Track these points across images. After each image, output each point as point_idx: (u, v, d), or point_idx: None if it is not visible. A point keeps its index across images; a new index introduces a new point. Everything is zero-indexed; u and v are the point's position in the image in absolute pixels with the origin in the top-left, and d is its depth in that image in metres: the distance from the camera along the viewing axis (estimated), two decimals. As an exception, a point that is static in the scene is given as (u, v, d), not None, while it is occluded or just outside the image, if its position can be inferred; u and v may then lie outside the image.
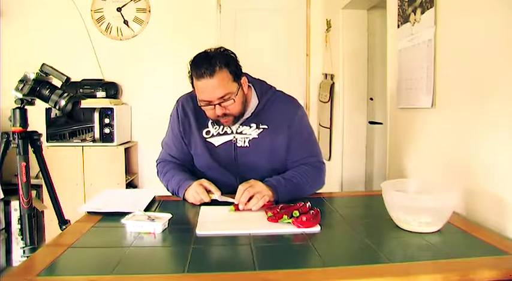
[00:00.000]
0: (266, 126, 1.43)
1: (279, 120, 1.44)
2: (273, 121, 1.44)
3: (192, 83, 1.34)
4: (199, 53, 1.33)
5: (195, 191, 1.33)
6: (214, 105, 1.31)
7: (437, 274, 0.84)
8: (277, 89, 1.54)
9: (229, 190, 1.35)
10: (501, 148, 1.14)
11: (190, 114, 1.48)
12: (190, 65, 1.31)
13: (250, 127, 1.44)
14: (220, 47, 1.35)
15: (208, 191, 1.33)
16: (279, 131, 1.43)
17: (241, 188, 1.26)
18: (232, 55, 1.35)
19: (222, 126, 1.44)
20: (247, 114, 1.44)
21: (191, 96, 1.50)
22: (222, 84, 1.28)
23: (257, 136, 1.43)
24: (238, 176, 1.45)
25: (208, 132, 1.46)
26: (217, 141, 1.45)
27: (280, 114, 1.45)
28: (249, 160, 1.44)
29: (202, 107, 1.36)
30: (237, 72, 1.33)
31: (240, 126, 1.44)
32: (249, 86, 1.45)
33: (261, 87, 1.48)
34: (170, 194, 1.49)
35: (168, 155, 1.54)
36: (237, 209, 1.25)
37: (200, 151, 1.46)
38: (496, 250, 0.95)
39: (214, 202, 1.32)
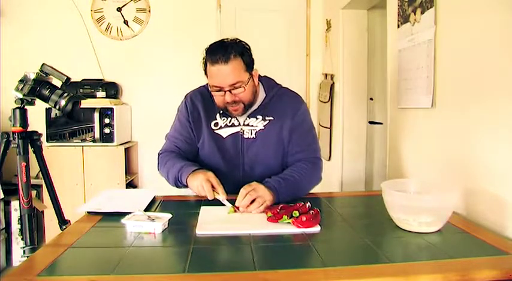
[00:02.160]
0: (272, 118, 1.47)
1: (284, 112, 1.48)
2: (278, 113, 1.48)
3: (205, 70, 1.39)
4: (216, 41, 1.39)
5: (200, 185, 1.30)
6: (225, 91, 1.35)
7: (437, 274, 0.84)
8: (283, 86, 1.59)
9: (233, 182, 1.38)
10: (501, 148, 1.14)
11: (199, 106, 1.51)
12: (206, 51, 1.37)
13: (257, 119, 1.47)
14: (236, 38, 1.41)
15: (213, 189, 1.31)
16: (284, 122, 1.47)
17: (243, 191, 1.25)
18: (247, 46, 1.41)
19: (229, 118, 1.47)
20: (255, 107, 1.48)
21: (199, 91, 1.55)
22: (235, 72, 1.33)
23: (263, 128, 1.46)
24: (243, 170, 1.47)
25: (216, 124, 1.49)
26: (225, 132, 1.47)
27: (285, 106, 1.49)
28: (255, 152, 1.46)
29: (213, 93, 1.40)
30: (249, 63, 1.39)
31: (247, 119, 1.47)
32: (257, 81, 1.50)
33: (269, 82, 1.55)
34: (170, 195, 1.49)
35: (173, 146, 1.52)
36: (236, 210, 1.25)
37: (207, 143, 1.48)
38: (496, 250, 0.95)
39: (214, 202, 1.32)
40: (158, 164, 1.53)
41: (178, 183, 1.40)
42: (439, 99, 1.48)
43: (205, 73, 1.40)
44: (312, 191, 1.56)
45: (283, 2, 3.32)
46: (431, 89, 1.51)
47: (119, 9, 3.16)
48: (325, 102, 3.07)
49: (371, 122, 2.93)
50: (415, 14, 1.64)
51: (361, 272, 0.85)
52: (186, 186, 1.38)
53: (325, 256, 0.92)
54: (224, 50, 1.32)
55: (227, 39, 1.39)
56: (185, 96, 1.57)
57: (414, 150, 1.71)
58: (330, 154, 3.06)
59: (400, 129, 1.86)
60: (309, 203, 1.21)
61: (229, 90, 1.35)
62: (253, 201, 1.24)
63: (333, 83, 2.98)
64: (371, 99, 2.93)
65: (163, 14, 3.19)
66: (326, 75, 3.16)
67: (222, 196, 1.30)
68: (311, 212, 1.13)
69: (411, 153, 1.75)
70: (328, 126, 3.01)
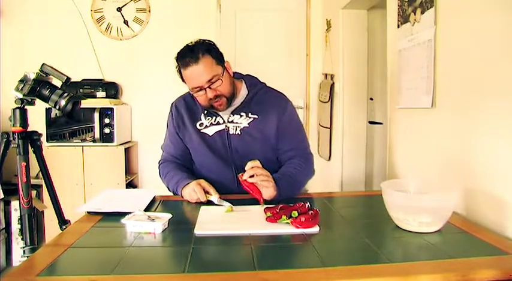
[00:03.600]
0: (256, 116, 1.51)
1: (269, 111, 1.52)
2: (263, 111, 1.52)
3: (182, 77, 1.44)
4: (182, 48, 1.44)
5: (192, 190, 1.36)
6: (205, 89, 1.40)
7: (437, 274, 0.84)
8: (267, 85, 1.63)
9: (227, 178, 1.45)
10: (501, 148, 1.14)
11: (183, 111, 1.57)
12: (176, 59, 1.43)
13: (241, 116, 1.51)
14: (199, 39, 1.46)
15: (206, 192, 1.36)
16: (269, 121, 1.51)
17: (250, 164, 1.31)
18: (211, 43, 1.46)
19: (214, 117, 1.52)
20: (238, 103, 1.52)
21: (183, 98, 1.61)
22: (207, 68, 1.39)
23: (248, 125, 1.50)
24: (234, 165, 1.50)
25: (201, 124, 1.54)
26: (211, 131, 1.52)
27: (270, 105, 1.53)
28: (241, 147, 1.50)
29: (195, 95, 1.45)
30: (218, 57, 1.44)
31: (231, 116, 1.52)
32: (240, 79, 1.58)
33: (251, 80, 1.60)
34: (170, 194, 1.50)
35: (168, 155, 1.60)
36: (241, 180, 1.29)
37: (196, 142, 1.53)
38: (496, 250, 0.95)
39: (211, 203, 1.32)
40: (159, 173, 1.60)
41: (176, 195, 1.47)
42: (439, 99, 1.48)
43: (183, 80, 1.45)
44: (312, 191, 1.57)
45: (283, 2, 3.32)
46: (431, 89, 1.51)
47: (119, 9, 3.16)
48: (325, 102, 3.07)
49: (371, 122, 2.93)
50: (415, 14, 1.64)
51: (361, 272, 0.85)
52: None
53: (325, 256, 0.92)
54: (191, 51, 1.39)
55: (191, 42, 1.44)
56: (171, 105, 1.63)
57: (414, 150, 1.71)
58: (330, 154, 3.06)
59: (400, 129, 1.86)
60: (308, 203, 1.21)
61: (209, 87, 1.40)
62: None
63: (333, 83, 2.98)
64: (371, 99, 2.93)
65: (163, 14, 3.19)
66: (326, 75, 3.16)
67: (214, 196, 1.33)
68: (310, 212, 1.13)
69: (411, 153, 1.75)
70: (328, 126, 3.01)
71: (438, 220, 1.07)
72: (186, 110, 1.56)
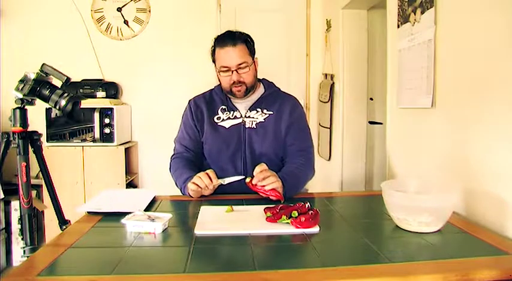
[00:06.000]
0: (271, 112, 1.61)
1: (283, 109, 1.62)
2: (277, 109, 1.61)
3: (213, 58, 1.57)
4: (223, 32, 1.58)
5: (197, 177, 1.38)
6: (232, 71, 1.52)
7: (437, 274, 0.84)
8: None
9: (235, 172, 1.52)
10: (501, 148, 1.14)
11: (202, 106, 1.65)
12: (215, 39, 1.56)
13: (257, 112, 1.61)
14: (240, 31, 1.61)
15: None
16: (282, 117, 1.60)
17: (257, 168, 1.37)
18: (250, 38, 1.59)
19: (232, 112, 1.60)
20: (255, 98, 1.62)
21: (202, 95, 1.71)
22: (241, 53, 1.52)
23: (263, 120, 1.59)
24: (244, 158, 1.56)
25: (219, 118, 1.62)
26: (227, 124, 1.60)
27: (284, 104, 1.64)
28: (255, 140, 1.56)
29: (221, 75, 1.56)
30: (252, 50, 1.58)
31: (248, 111, 1.60)
32: (258, 81, 1.67)
33: (268, 83, 1.71)
34: (170, 195, 1.51)
35: (182, 146, 1.64)
36: (250, 185, 1.33)
37: (211, 134, 1.60)
38: (496, 250, 0.95)
39: (214, 202, 1.32)
40: (170, 168, 1.63)
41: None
42: (439, 99, 1.48)
43: (213, 61, 1.57)
44: (312, 191, 1.57)
45: (283, 2, 3.32)
46: (431, 89, 1.51)
47: (119, 9, 3.16)
48: (325, 102, 3.07)
49: (371, 122, 2.93)
50: (415, 14, 1.64)
51: (361, 272, 0.85)
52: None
53: (325, 256, 0.92)
54: (232, 36, 1.53)
55: (233, 30, 1.57)
56: (188, 101, 1.69)
57: (414, 150, 1.71)
58: (330, 154, 3.06)
59: (400, 129, 1.86)
60: (308, 203, 1.21)
61: (236, 70, 1.51)
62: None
63: (333, 83, 2.98)
64: (371, 99, 2.93)
65: (163, 14, 3.19)
66: (326, 75, 3.16)
67: (220, 180, 1.38)
68: (310, 212, 1.13)
69: (411, 153, 1.75)
70: (328, 126, 3.01)
71: (438, 220, 1.08)
72: (205, 105, 1.65)
